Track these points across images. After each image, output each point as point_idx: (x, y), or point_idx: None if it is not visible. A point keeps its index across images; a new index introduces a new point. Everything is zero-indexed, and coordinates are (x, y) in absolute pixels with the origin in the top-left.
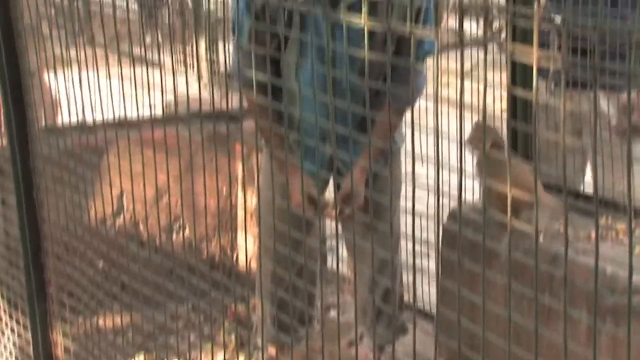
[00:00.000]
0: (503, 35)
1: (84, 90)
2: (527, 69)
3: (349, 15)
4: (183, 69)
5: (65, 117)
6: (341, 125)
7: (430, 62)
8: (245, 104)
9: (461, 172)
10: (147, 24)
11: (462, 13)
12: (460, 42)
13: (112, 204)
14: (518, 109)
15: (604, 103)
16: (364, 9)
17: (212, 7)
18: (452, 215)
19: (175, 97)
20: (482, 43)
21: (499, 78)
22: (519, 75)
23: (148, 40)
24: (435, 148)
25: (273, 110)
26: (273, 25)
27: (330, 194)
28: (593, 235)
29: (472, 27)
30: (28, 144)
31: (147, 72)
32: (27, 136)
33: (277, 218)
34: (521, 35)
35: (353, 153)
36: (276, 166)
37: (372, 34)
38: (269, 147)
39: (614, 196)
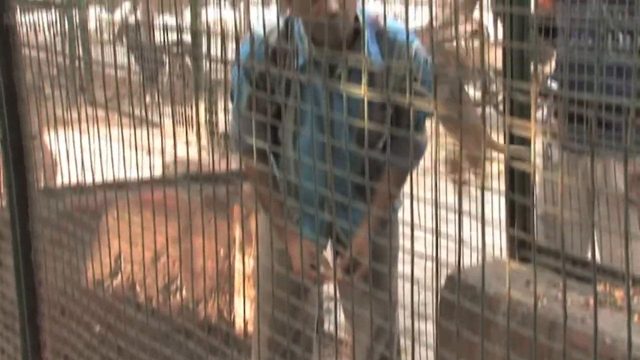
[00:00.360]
0: (500, 98)
1: (83, 151)
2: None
3: (347, 85)
4: (182, 130)
5: (63, 177)
6: (339, 192)
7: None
8: (244, 168)
9: (459, 241)
10: (147, 85)
11: (461, 86)
12: (459, 117)
13: (110, 265)
14: (516, 178)
15: (615, 169)
16: (364, 79)
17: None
18: (449, 282)
19: (175, 158)
20: (480, 105)
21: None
22: (517, 143)
23: (148, 100)
24: (433, 218)
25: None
26: (271, 92)
27: (328, 257)
28: (591, 302)
29: (470, 90)
30: (27, 207)
31: (147, 133)
32: (26, 199)
33: (275, 284)
34: (518, 108)
35: (352, 220)
36: (275, 232)
37: (370, 102)
38: (268, 213)
39: (611, 262)
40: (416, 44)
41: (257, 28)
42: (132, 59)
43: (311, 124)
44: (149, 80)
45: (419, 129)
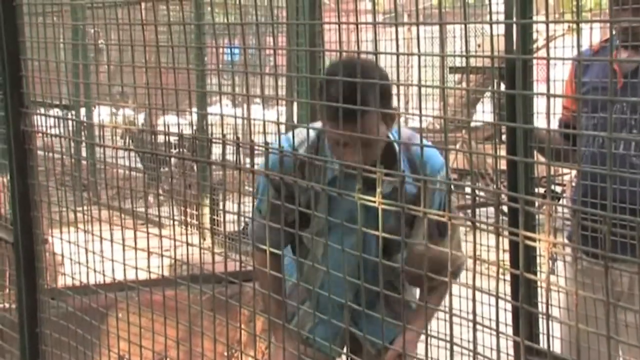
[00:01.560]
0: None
1: (87, 253)
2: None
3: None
4: (184, 230)
5: (66, 278)
6: (365, 301)
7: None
8: (257, 267)
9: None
10: (149, 185)
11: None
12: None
13: None
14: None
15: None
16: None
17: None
18: None
19: (174, 259)
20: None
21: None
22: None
23: (150, 199)
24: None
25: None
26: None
27: None
28: None
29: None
30: (36, 311)
31: (148, 234)
32: (35, 303)
33: None
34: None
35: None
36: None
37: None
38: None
39: None
40: (442, 174)
41: (287, 138)
42: (136, 160)
43: (340, 235)
44: (152, 180)
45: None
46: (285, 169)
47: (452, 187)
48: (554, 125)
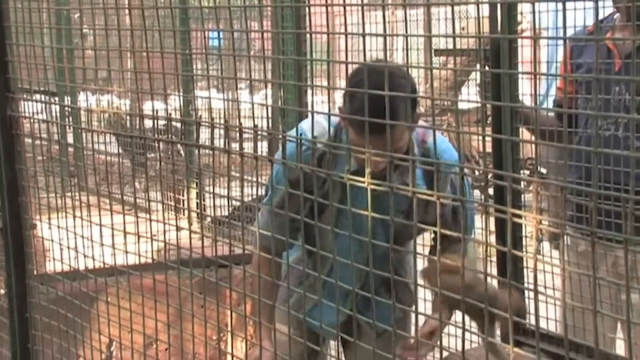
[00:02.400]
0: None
1: (76, 238)
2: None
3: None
4: (173, 215)
5: (55, 263)
6: (369, 288)
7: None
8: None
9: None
10: (137, 171)
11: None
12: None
13: (100, 352)
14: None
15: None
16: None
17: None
18: None
19: (165, 243)
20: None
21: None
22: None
23: (137, 185)
24: None
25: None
26: (310, 193)
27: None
28: None
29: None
30: (26, 296)
31: (137, 218)
32: (25, 288)
33: None
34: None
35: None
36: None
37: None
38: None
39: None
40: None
41: (305, 128)
42: (118, 147)
43: (350, 225)
44: (138, 166)
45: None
46: (303, 160)
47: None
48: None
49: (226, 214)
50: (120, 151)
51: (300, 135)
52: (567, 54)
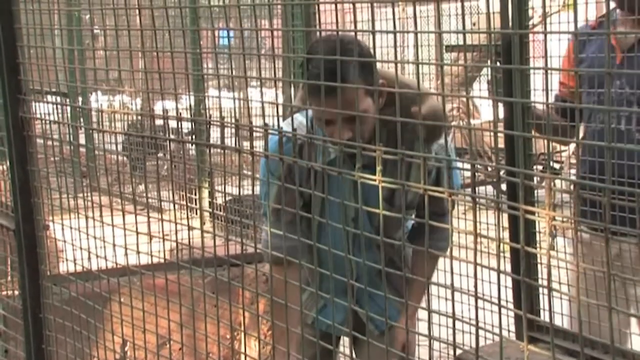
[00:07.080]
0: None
1: (88, 238)
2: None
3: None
4: (184, 214)
5: (68, 264)
6: (364, 281)
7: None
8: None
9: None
10: (139, 170)
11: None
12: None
13: (114, 352)
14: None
15: None
16: (378, 169)
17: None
18: None
19: (177, 243)
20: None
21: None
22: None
23: (149, 185)
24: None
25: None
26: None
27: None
28: None
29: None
30: (39, 296)
31: (148, 218)
32: (38, 289)
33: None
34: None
35: (374, 305)
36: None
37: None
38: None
39: None
40: (439, 143)
41: (284, 126)
42: (130, 149)
43: (338, 215)
44: (137, 164)
45: (445, 215)
46: (285, 154)
47: (452, 163)
48: (551, 101)
49: (239, 211)
50: (130, 152)
51: (280, 127)
52: (571, 48)
